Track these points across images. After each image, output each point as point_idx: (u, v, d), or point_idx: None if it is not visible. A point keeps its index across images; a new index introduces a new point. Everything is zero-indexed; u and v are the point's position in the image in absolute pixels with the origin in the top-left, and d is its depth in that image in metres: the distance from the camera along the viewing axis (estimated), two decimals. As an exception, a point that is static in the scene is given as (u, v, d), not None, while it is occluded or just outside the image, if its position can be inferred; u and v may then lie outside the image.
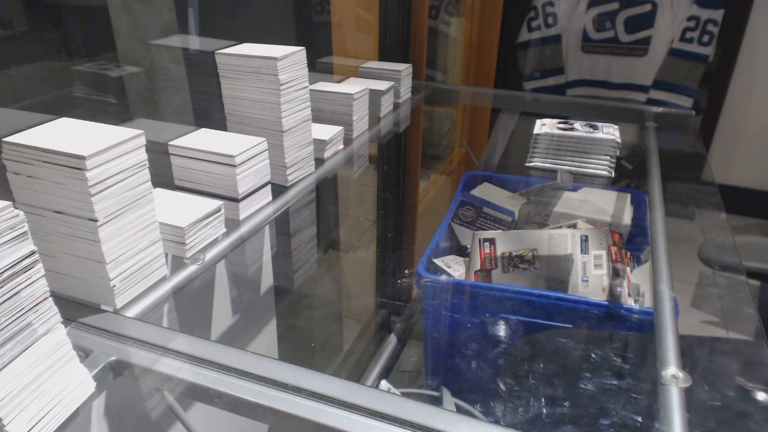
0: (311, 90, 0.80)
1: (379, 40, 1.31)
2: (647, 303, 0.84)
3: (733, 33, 1.96)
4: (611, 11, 2.05)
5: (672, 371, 0.50)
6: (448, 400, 0.87)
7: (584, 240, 0.90)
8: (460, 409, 0.86)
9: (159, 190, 0.65)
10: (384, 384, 0.88)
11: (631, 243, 0.99)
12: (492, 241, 0.93)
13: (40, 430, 0.41)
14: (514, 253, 0.90)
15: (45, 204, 0.50)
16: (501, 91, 1.46)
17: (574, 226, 0.98)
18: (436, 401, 0.91)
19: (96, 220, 0.48)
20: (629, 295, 0.84)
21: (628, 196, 1.05)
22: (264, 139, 0.71)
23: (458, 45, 2.08)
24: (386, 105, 1.12)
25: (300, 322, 1.24)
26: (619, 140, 1.00)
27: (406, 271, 1.37)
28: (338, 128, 0.92)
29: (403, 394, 0.91)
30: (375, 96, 1.08)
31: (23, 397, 0.39)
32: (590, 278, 0.86)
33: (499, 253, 0.92)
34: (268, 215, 0.73)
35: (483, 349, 0.87)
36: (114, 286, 0.51)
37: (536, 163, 1.04)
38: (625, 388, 0.67)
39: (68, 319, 0.49)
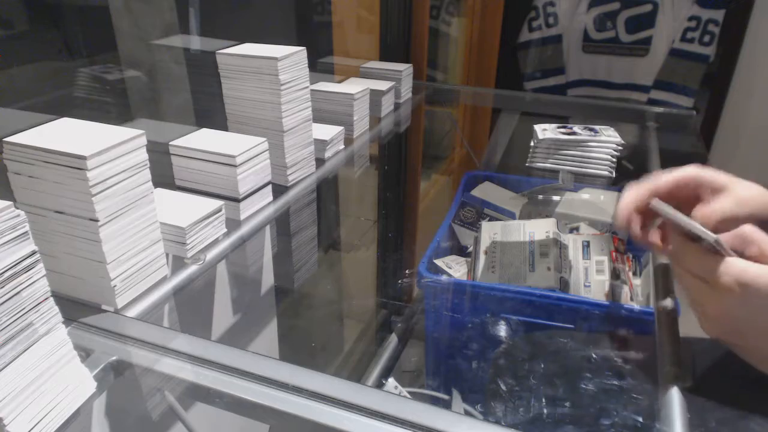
0: (312, 90, 0.80)
1: (379, 40, 1.31)
2: (649, 304, 0.84)
3: (734, 33, 1.95)
4: (612, 11, 2.04)
5: (673, 371, 0.50)
6: (458, 403, 0.87)
7: (586, 245, 0.90)
8: (467, 414, 0.86)
9: (160, 190, 0.65)
10: (391, 381, 0.88)
11: (633, 244, 0.99)
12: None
13: (41, 430, 0.41)
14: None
15: (46, 204, 0.50)
16: (502, 91, 1.46)
17: (576, 230, 0.98)
18: (443, 403, 0.91)
19: (97, 220, 0.48)
20: (631, 299, 0.84)
21: (629, 197, 1.05)
22: (265, 139, 0.71)
23: (459, 45, 2.08)
24: (387, 105, 1.12)
25: (301, 322, 1.24)
26: (621, 141, 1.00)
27: (407, 271, 1.37)
28: (339, 128, 0.92)
29: (411, 394, 0.91)
30: (376, 96, 1.07)
31: (24, 396, 0.40)
32: (592, 284, 0.86)
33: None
34: (269, 215, 0.73)
35: (484, 349, 0.87)
36: (115, 286, 0.51)
37: (537, 163, 1.04)
38: (626, 389, 0.67)
39: (69, 319, 0.49)
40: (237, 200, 0.69)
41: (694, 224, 0.49)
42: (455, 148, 2.16)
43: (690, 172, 0.54)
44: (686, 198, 0.54)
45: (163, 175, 0.70)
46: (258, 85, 0.74)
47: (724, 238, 0.49)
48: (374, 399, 0.42)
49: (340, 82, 1.07)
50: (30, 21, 0.65)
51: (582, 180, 1.03)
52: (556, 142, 1.01)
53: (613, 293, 0.84)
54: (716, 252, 0.48)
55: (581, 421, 0.68)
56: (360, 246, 1.46)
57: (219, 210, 0.63)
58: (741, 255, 0.48)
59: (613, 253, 0.88)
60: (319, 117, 0.94)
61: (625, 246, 0.93)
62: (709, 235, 0.48)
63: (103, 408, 0.57)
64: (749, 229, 0.49)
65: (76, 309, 0.52)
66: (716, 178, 0.54)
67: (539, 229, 0.91)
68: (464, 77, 2.11)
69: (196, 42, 0.87)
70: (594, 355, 0.73)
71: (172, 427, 0.67)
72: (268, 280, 0.89)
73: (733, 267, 0.46)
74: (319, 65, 1.20)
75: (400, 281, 1.35)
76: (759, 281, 0.45)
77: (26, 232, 0.38)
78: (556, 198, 1.07)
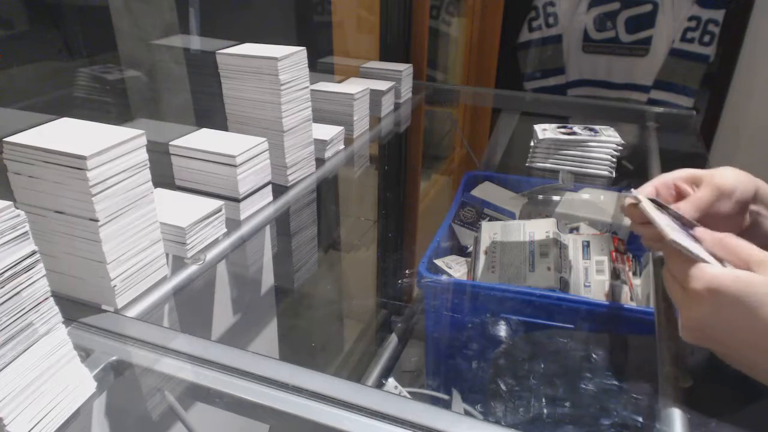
0: (312, 90, 0.80)
1: (379, 40, 1.31)
2: (649, 304, 0.83)
3: (734, 33, 1.95)
4: (612, 11, 2.04)
5: (672, 371, 0.50)
6: (458, 403, 0.87)
7: (586, 245, 0.90)
8: (467, 414, 0.86)
9: (160, 190, 0.65)
10: (391, 381, 0.88)
11: (633, 244, 0.99)
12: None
13: (40, 430, 0.41)
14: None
15: (46, 204, 0.50)
16: (502, 91, 1.46)
17: (576, 230, 0.98)
18: (443, 403, 0.91)
19: (97, 220, 0.48)
20: (631, 299, 0.84)
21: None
22: (265, 139, 0.71)
23: (459, 45, 2.08)
24: (387, 105, 1.12)
25: (301, 322, 1.24)
26: (621, 141, 1.00)
27: (407, 271, 1.37)
28: (339, 128, 0.92)
29: (411, 394, 0.91)
30: (376, 96, 1.07)
31: (24, 396, 0.40)
32: (592, 284, 0.86)
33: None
34: (269, 215, 0.73)
35: (484, 349, 0.87)
36: (115, 286, 0.51)
37: (537, 163, 1.04)
38: (626, 389, 0.67)
39: (69, 319, 0.49)
40: (237, 200, 0.69)
41: (662, 225, 0.49)
42: (455, 148, 2.16)
43: (670, 177, 0.56)
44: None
45: (163, 175, 0.70)
46: (258, 85, 0.74)
47: (702, 236, 0.49)
48: (374, 399, 0.42)
49: (340, 82, 1.07)
50: (30, 21, 0.65)
51: (582, 180, 1.03)
52: (556, 142, 1.01)
53: (613, 293, 0.84)
54: (688, 256, 0.47)
55: (581, 421, 0.68)
56: (360, 246, 1.46)
57: (219, 210, 0.63)
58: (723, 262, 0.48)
59: (613, 253, 0.88)
60: (319, 117, 0.94)
61: (625, 246, 0.93)
62: (666, 235, 0.47)
63: (103, 408, 0.57)
64: (726, 235, 0.49)
65: (76, 309, 0.52)
66: (693, 173, 0.56)
67: (539, 229, 0.91)
68: (464, 77, 2.11)
69: (196, 42, 0.87)
70: (594, 355, 0.73)
71: (172, 427, 0.67)
72: (268, 280, 0.89)
73: (704, 273, 0.45)
74: (319, 65, 1.20)
75: (400, 281, 1.35)
76: (729, 289, 0.43)
77: (26, 232, 0.38)
78: (556, 198, 1.07)
